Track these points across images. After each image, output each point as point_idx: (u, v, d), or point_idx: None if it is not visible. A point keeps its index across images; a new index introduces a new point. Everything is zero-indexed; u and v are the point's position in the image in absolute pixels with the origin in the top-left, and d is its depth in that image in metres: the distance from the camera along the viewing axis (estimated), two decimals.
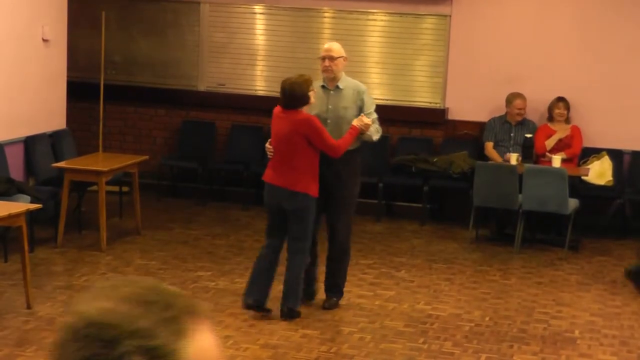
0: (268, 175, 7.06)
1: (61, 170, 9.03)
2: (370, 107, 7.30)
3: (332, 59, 7.19)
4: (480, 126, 10.53)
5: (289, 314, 7.02)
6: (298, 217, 6.93)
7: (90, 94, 11.06)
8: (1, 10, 9.15)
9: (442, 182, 10.30)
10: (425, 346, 6.67)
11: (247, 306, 7.07)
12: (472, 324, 7.19)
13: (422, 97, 10.87)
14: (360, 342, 6.68)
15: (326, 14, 11.01)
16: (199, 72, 11.31)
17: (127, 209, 10.00)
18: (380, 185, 10.47)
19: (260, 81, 11.17)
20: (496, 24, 10.56)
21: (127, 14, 11.46)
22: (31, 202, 8.10)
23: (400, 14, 10.77)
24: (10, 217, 6.90)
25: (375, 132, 7.24)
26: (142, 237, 9.34)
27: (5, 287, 7.56)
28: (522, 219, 9.32)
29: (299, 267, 7.05)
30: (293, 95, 6.84)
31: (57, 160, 9.63)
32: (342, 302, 7.59)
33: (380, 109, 10.89)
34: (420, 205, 10.49)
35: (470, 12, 10.58)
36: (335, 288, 7.43)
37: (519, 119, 10.16)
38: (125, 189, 10.25)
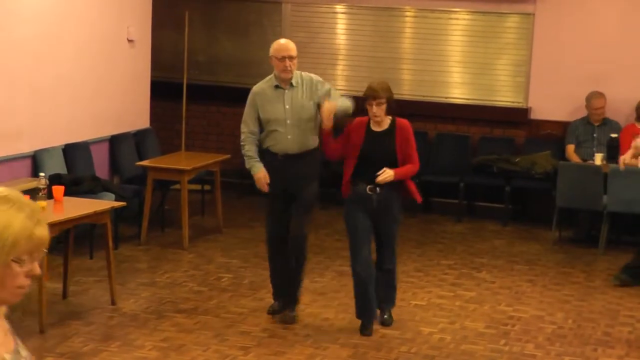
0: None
1: (145, 168, 9.17)
2: (328, 89, 6.82)
3: (292, 58, 6.73)
4: (563, 126, 10.37)
5: None
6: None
7: (173, 94, 11.22)
8: (87, 12, 9.33)
9: (525, 183, 10.19)
10: (507, 348, 6.60)
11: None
12: (555, 326, 7.09)
13: (505, 97, 10.77)
14: (440, 343, 6.64)
15: (408, 13, 10.97)
16: None
17: (209, 207, 10.11)
18: (461, 184, 10.40)
19: (341, 80, 11.17)
20: (581, 22, 10.39)
21: (210, 14, 11.58)
22: (116, 200, 8.25)
23: (483, 13, 10.68)
24: (96, 214, 7.04)
25: (348, 106, 6.78)
26: (224, 235, 9.43)
27: (90, 284, 7.70)
28: (607, 221, 9.16)
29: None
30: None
31: (141, 159, 9.78)
32: (423, 302, 7.56)
33: (462, 108, 10.94)
34: (502, 205, 10.39)
35: (555, 10, 10.43)
36: (291, 299, 6.95)
37: (598, 118, 10.00)
38: (207, 187, 10.36)
